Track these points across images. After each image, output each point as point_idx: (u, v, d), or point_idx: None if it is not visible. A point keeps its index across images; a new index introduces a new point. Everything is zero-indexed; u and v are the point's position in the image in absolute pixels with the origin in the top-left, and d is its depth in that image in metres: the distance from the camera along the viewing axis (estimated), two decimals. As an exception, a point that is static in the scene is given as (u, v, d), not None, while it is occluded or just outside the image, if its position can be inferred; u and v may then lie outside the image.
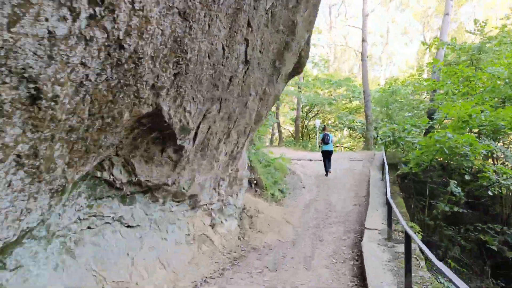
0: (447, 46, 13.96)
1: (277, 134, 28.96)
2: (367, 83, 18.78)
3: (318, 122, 22.00)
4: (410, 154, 9.64)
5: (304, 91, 25.44)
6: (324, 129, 13.20)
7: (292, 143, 24.54)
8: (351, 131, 23.56)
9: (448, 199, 9.53)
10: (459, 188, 9.14)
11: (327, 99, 24.64)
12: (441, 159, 9.57)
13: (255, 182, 9.53)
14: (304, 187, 11.75)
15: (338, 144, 30.86)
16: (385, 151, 11.24)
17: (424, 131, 14.04)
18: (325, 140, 11.94)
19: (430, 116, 14.06)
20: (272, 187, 10.10)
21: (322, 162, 12.62)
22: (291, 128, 30.02)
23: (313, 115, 26.34)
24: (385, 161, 9.48)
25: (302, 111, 26.47)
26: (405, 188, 10.72)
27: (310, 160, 16.38)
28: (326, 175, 12.19)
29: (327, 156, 12.03)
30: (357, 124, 22.63)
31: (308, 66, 28.48)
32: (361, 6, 19.88)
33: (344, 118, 22.90)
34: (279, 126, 25.94)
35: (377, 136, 21.05)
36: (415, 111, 15.99)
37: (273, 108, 25.87)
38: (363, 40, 19.11)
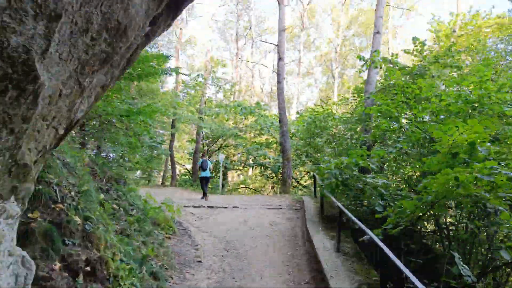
0: (388, 62, 11.10)
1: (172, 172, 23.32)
2: (284, 110, 15.04)
3: (222, 157, 17.42)
4: (390, 209, 5.56)
5: (205, 121, 20.82)
6: (202, 155, 14.35)
7: (189, 182, 19.31)
8: (261, 169, 19.42)
9: (444, 284, 5.61)
10: (467, 267, 5.31)
11: (233, 130, 20.35)
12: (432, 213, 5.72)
13: (89, 269, 4.19)
14: (200, 261, 6.75)
15: (243, 185, 26.49)
16: (336, 198, 6.95)
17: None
18: (203, 167, 12.65)
19: (368, 149, 10.79)
20: (133, 273, 4.87)
21: (230, 212, 11.13)
22: (190, 166, 24.74)
23: (216, 148, 21.75)
24: (360, 223, 5.11)
25: (202, 144, 21.67)
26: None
27: (211, 207, 11.57)
28: (203, 198, 12.67)
29: (205, 181, 12.79)
30: (270, 160, 18.61)
31: (211, 90, 24.28)
32: (277, 22, 16.72)
33: (253, 152, 18.72)
34: (172, 160, 20.52)
35: (296, 179, 17.42)
36: (344, 145, 12.64)
37: (166, 138, 20.53)
38: (280, 59, 15.64)
